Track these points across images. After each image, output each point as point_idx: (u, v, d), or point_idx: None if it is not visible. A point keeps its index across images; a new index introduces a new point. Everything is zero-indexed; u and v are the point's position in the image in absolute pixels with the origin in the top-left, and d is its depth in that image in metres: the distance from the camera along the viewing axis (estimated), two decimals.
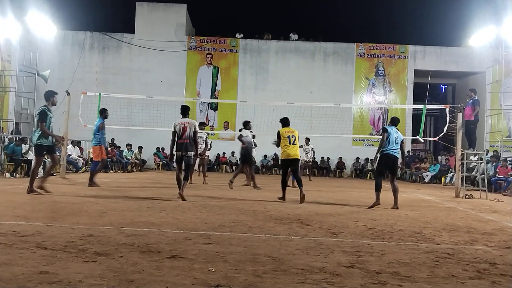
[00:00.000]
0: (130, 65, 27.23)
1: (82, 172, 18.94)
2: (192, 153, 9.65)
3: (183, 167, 9.56)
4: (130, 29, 27.50)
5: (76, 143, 20.27)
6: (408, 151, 27.06)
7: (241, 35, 27.97)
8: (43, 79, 23.84)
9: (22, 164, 15.83)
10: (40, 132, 9.43)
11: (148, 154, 25.77)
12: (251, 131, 13.91)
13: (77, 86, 22.96)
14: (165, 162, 25.73)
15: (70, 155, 18.72)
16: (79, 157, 19.99)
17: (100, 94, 16.23)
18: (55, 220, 6.17)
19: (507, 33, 21.90)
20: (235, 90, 27.27)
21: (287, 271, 3.97)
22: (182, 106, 10.25)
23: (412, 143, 28.23)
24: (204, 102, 26.78)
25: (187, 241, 5.05)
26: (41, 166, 15.01)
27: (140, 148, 24.22)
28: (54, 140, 9.90)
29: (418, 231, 6.40)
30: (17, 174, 15.37)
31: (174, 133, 9.62)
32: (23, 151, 16.02)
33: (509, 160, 18.17)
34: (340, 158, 26.62)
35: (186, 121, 9.72)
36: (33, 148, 9.57)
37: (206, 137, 15.38)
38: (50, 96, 9.87)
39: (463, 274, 4.11)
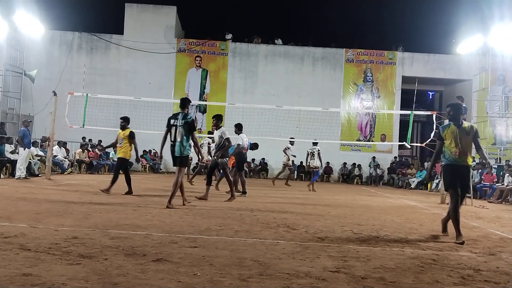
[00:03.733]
0: (118, 66, 27.07)
1: (68, 174, 18.78)
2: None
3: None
4: (119, 30, 27.35)
5: (62, 144, 20.09)
6: (395, 157, 27.25)
7: (230, 35, 27.95)
8: (30, 79, 23.65)
9: (7, 164, 15.61)
10: (191, 143, 8.84)
11: (134, 156, 25.56)
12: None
13: (64, 86, 22.78)
14: (151, 164, 25.60)
15: (56, 156, 18.54)
16: (65, 158, 19.80)
17: (87, 94, 16.12)
18: (39, 221, 6.11)
19: (494, 41, 22.19)
20: (223, 93, 27.22)
21: (273, 275, 3.96)
22: (239, 124, 12.46)
23: (399, 149, 28.40)
24: (192, 105, 26.68)
25: (173, 245, 5.03)
26: (24, 167, 14.94)
27: None
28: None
29: (403, 237, 6.43)
30: (1, 175, 15.17)
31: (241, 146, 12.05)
32: (10, 151, 15.81)
33: (494, 167, 18.36)
34: (328, 163, 26.67)
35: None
36: (180, 159, 8.77)
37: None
38: (188, 103, 9.24)
39: (448, 280, 4.14)
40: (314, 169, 17.32)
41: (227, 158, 11.02)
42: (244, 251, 4.88)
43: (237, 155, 12.49)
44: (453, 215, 6.49)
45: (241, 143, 12.33)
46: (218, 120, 10.97)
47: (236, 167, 12.88)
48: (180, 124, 8.72)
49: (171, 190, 8.76)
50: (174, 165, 9.01)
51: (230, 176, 11.15)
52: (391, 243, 5.91)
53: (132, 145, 11.55)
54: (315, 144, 17.43)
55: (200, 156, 10.00)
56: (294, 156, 17.90)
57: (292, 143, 17.97)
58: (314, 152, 17.04)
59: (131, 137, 11.39)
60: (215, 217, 7.52)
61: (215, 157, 10.76)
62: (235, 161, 12.87)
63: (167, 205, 8.51)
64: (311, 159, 17.11)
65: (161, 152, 9.30)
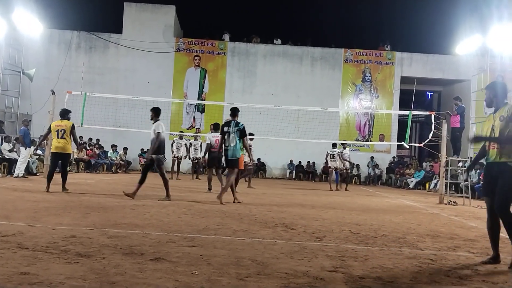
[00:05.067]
0: (117, 65, 27.07)
1: None
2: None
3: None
4: (118, 29, 27.35)
5: None
6: (393, 157, 27.26)
7: (228, 35, 27.94)
8: (28, 77, 23.67)
9: (3, 163, 15.57)
10: (242, 146, 10.01)
11: (133, 155, 25.61)
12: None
13: (62, 85, 22.74)
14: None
15: None
16: None
17: (85, 93, 16.10)
18: (37, 220, 6.10)
19: (493, 42, 22.23)
20: (222, 92, 27.23)
21: (270, 275, 3.96)
22: (215, 123, 13.44)
23: (397, 149, 28.42)
24: (191, 104, 26.71)
25: (171, 244, 5.02)
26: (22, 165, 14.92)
27: (125, 149, 24.06)
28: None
29: (401, 237, 6.43)
30: None
31: (209, 144, 12.75)
32: (8, 150, 15.79)
33: None
34: (326, 162, 26.66)
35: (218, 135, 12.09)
36: (233, 161, 9.98)
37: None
38: (238, 111, 10.30)
39: (446, 280, 4.14)
40: (335, 170, 18.14)
41: (163, 155, 10.19)
42: (242, 251, 4.87)
43: (208, 154, 13.01)
44: (488, 232, 5.04)
45: (208, 142, 12.97)
46: (153, 113, 10.15)
47: (206, 164, 13.33)
48: (233, 131, 9.87)
49: (221, 187, 10.27)
50: (226, 166, 10.36)
51: (166, 175, 10.27)
52: (389, 243, 5.91)
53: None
54: (334, 146, 18.21)
55: (250, 158, 11.83)
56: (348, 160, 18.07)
57: (344, 146, 18.29)
58: (334, 154, 17.80)
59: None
60: (213, 216, 7.52)
61: (149, 155, 10.12)
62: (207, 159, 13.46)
63: (220, 202, 9.52)
64: (331, 160, 17.88)
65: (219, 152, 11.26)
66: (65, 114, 10.84)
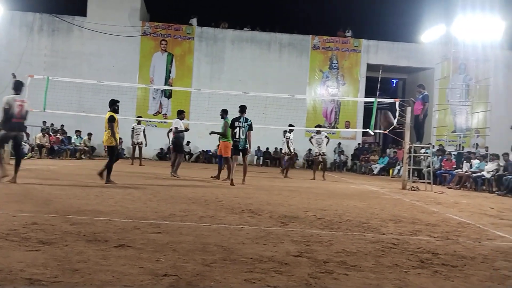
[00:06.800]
0: (81, 49, 26.43)
1: (28, 158, 18.30)
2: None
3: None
4: (82, 12, 26.65)
5: None
6: (359, 144, 27.64)
7: (195, 19, 27.54)
8: None
9: None
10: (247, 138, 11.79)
11: (98, 141, 25.13)
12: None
13: (24, 69, 22.07)
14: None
15: None
16: (25, 142, 19.25)
17: (48, 77, 15.68)
18: None
19: (456, 31, 22.70)
20: (189, 78, 26.98)
21: (236, 260, 3.97)
22: (178, 110, 14.57)
23: (362, 135, 28.81)
24: (157, 90, 26.37)
25: (136, 230, 4.97)
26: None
27: (89, 134, 23.59)
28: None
29: (365, 222, 6.55)
30: None
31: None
32: None
33: (453, 154, 18.85)
34: (293, 149, 26.83)
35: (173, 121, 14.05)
36: (244, 151, 11.96)
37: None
38: (245, 108, 12.18)
39: (407, 263, 4.24)
40: (285, 156, 18.53)
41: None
42: (208, 237, 4.87)
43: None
44: None
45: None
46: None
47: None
48: (243, 126, 11.75)
49: (243, 173, 12.23)
50: (236, 154, 12.12)
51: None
52: (353, 227, 6.00)
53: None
54: (286, 132, 18.66)
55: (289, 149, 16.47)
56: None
57: (319, 131, 17.42)
58: (288, 139, 17.95)
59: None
60: (180, 203, 7.48)
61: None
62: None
63: (243, 183, 11.76)
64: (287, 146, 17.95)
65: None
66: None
